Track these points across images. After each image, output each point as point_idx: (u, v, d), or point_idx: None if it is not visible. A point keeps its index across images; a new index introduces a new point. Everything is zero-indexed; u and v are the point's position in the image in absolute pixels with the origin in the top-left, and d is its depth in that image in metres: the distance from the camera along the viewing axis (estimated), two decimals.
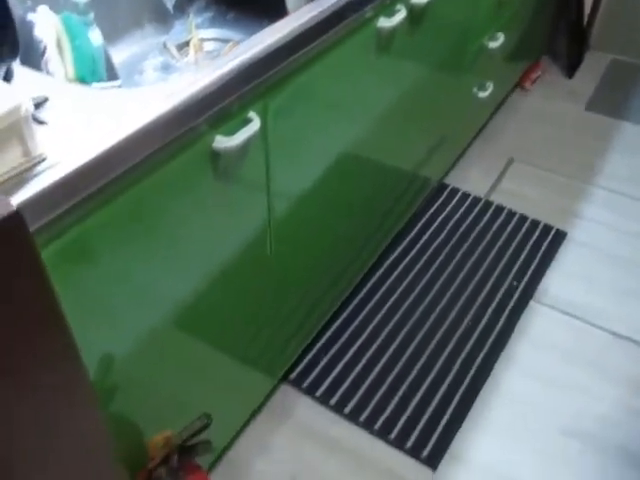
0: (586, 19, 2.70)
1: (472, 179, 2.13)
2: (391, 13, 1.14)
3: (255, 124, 0.86)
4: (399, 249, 1.85)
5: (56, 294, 0.45)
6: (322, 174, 1.18)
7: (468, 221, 1.95)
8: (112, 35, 1.21)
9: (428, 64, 1.47)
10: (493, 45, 1.81)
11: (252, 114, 0.87)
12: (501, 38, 1.83)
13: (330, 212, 1.31)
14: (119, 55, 1.22)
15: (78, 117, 0.68)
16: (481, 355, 1.57)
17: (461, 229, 1.92)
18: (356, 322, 1.64)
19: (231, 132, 0.84)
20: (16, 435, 0.46)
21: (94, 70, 1.00)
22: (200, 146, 0.81)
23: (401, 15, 1.14)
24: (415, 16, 1.26)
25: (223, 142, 0.82)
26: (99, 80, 1.01)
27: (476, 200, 2.03)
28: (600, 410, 1.48)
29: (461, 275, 1.78)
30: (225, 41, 1.30)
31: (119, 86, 0.99)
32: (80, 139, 0.64)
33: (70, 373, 0.48)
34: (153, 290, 0.85)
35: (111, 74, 1.04)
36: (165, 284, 0.87)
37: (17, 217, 0.39)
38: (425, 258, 1.82)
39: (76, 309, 0.69)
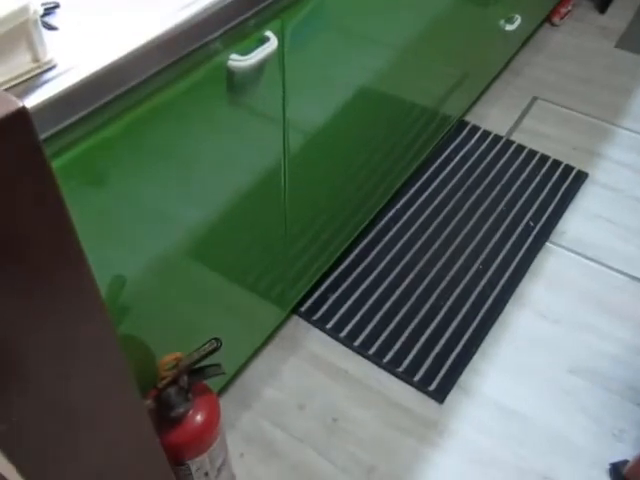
0: None
1: (494, 117, 2.07)
2: None
3: (272, 44, 0.83)
4: (416, 186, 1.82)
5: (64, 200, 0.44)
6: (340, 104, 1.15)
7: (488, 159, 1.91)
8: None
9: None
10: None
11: (269, 33, 0.84)
12: None
13: (347, 144, 1.28)
14: None
15: (91, 24, 0.65)
16: (494, 294, 1.56)
17: (480, 167, 1.88)
18: (369, 258, 1.63)
19: (247, 51, 0.81)
20: (31, 344, 0.46)
21: None
22: (215, 64, 0.78)
23: None
24: None
25: (239, 60, 0.79)
26: None
27: (497, 138, 1.98)
28: (609, 350, 1.48)
29: (478, 214, 1.75)
30: None
31: None
32: (92, 47, 0.62)
33: (79, 280, 0.47)
34: (164, 214, 0.84)
35: None
36: (176, 208, 0.86)
37: (23, 114, 0.37)
38: (442, 196, 1.80)
39: (85, 227, 0.68)
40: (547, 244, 1.70)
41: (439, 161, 1.90)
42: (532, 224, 1.73)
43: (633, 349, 1.48)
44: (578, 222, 1.76)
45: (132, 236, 0.80)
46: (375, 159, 1.45)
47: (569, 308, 1.56)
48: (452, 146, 1.94)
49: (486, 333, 1.49)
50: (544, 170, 1.88)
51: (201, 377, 0.93)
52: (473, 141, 1.96)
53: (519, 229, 1.72)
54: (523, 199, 1.80)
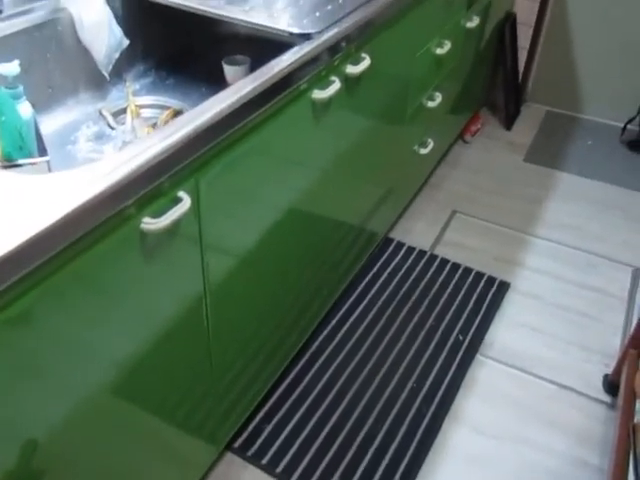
0: (521, 74, 2.82)
1: (417, 232, 2.16)
2: (325, 85, 1.16)
3: (185, 204, 0.85)
4: (347, 304, 1.85)
5: None
6: (262, 235, 1.17)
7: (414, 275, 1.96)
8: (46, 102, 1.19)
9: (367, 126, 1.50)
10: (431, 105, 1.86)
11: (182, 193, 0.86)
12: (439, 98, 1.89)
13: (272, 276, 1.30)
14: (53, 123, 1.20)
15: None
16: (429, 412, 1.56)
17: (407, 283, 1.93)
18: (302, 385, 1.61)
19: (160, 213, 0.82)
20: None
21: (22, 146, 0.98)
22: (127, 228, 0.79)
23: (335, 87, 1.17)
24: (350, 84, 1.29)
25: (151, 224, 0.81)
26: (27, 155, 0.99)
27: (422, 253, 2.05)
28: (548, 465, 1.48)
29: (408, 330, 1.78)
30: (163, 107, 1.30)
31: (48, 161, 0.98)
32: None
33: None
34: (88, 356, 0.82)
35: (41, 148, 1.02)
36: (100, 349, 0.84)
37: None
38: (372, 314, 1.82)
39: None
40: (477, 356, 1.73)
41: (367, 278, 1.94)
42: (461, 338, 1.77)
43: (572, 461, 1.49)
44: (505, 332, 1.81)
45: (53, 378, 0.77)
46: (303, 282, 1.47)
47: (504, 422, 1.57)
48: (379, 263, 2.00)
49: (426, 454, 1.48)
50: (468, 282, 1.95)
51: None
52: (399, 257, 2.03)
53: (449, 343, 1.75)
54: (451, 312, 1.85)
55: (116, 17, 1.25)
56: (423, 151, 1.98)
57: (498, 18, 2.46)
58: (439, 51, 1.75)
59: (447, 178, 2.43)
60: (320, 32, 1.13)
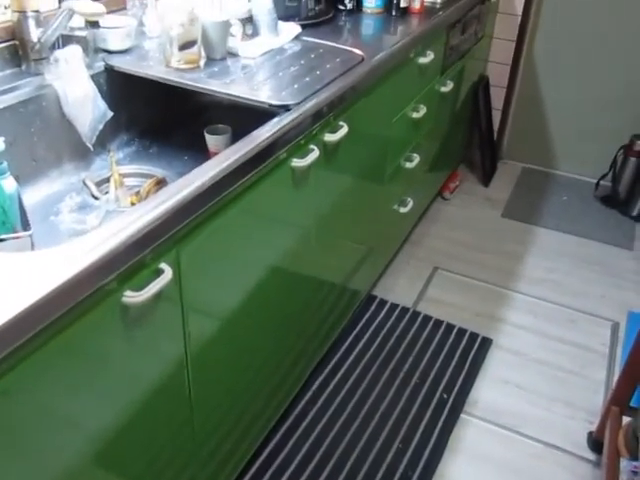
0: (496, 133, 2.92)
1: (399, 289, 2.18)
2: (304, 153, 1.20)
3: (166, 275, 0.87)
4: (331, 364, 1.84)
5: None
6: (243, 304, 1.18)
7: (397, 333, 1.97)
8: (30, 174, 1.21)
9: (346, 189, 1.54)
10: (409, 166, 1.92)
11: (164, 265, 0.88)
12: (417, 159, 1.94)
13: (254, 340, 1.30)
14: (37, 194, 1.22)
15: None
16: (415, 475, 1.54)
17: (390, 342, 1.94)
18: (288, 447, 1.59)
19: (141, 286, 0.84)
20: None
21: (4, 221, 0.99)
22: (108, 303, 0.80)
23: (314, 155, 1.20)
24: (329, 151, 1.33)
25: (132, 297, 0.82)
26: (11, 230, 1.00)
27: (404, 310, 2.07)
28: None
29: (393, 389, 1.77)
30: (147, 176, 1.32)
31: (30, 236, 0.99)
32: None
33: None
34: (70, 425, 0.81)
35: (24, 221, 1.03)
36: (83, 420, 0.83)
37: None
38: (357, 374, 1.82)
39: None
40: (462, 415, 1.73)
41: (351, 337, 1.94)
42: (445, 396, 1.77)
43: None
44: (488, 390, 1.81)
45: (34, 450, 0.76)
46: (286, 344, 1.47)
47: None
48: (362, 321, 2.01)
49: None
50: (451, 339, 1.96)
51: None
52: (382, 315, 2.04)
53: (434, 402, 1.75)
54: (435, 370, 1.85)
55: (100, 91, 1.29)
56: (403, 210, 2.02)
57: (472, 81, 2.56)
58: (415, 115, 1.82)
59: (427, 235, 2.47)
60: (299, 103, 1.17)
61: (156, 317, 0.91)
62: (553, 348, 1.97)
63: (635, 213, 2.67)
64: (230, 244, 1.08)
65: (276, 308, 1.36)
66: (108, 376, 0.86)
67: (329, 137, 1.28)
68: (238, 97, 1.19)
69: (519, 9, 2.62)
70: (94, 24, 1.25)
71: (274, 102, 1.15)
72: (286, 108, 1.15)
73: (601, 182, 2.79)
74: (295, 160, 1.17)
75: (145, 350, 0.92)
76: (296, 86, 1.23)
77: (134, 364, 0.91)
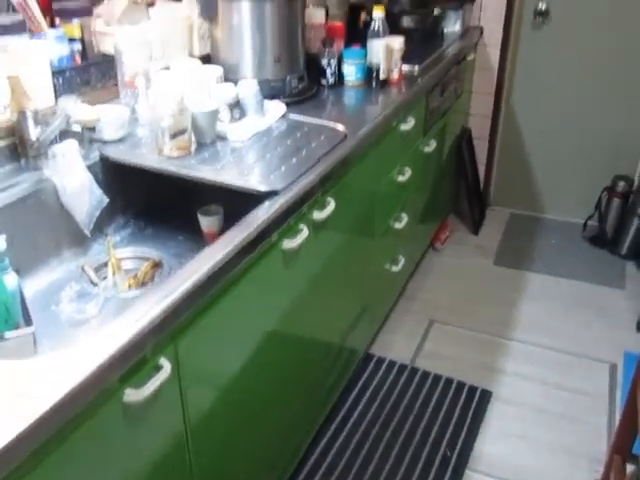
0: (482, 181, 2.99)
1: (397, 345, 2.20)
2: (294, 234, 1.24)
3: (165, 370, 0.90)
4: (332, 428, 1.85)
5: None
6: (241, 382, 1.21)
7: (396, 391, 1.99)
8: (30, 265, 1.25)
9: (337, 256, 1.58)
10: (398, 226, 1.97)
11: (163, 360, 0.91)
12: (405, 218, 1.99)
13: (254, 416, 1.32)
14: (37, 283, 1.26)
15: None
16: None
17: (391, 401, 1.95)
18: None
19: (141, 383, 0.87)
20: None
21: (7, 319, 1.03)
22: (109, 404, 0.83)
23: (304, 234, 1.25)
24: (318, 228, 1.38)
25: (133, 394, 0.85)
26: (13, 326, 1.04)
27: (402, 367, 2.09)
28: None
29: (396, 449, 1.78)
30: (143, 258, 1.37)
31: (32, 333, 1.02)
32: None
33: None
34: None
35: (26, 316, 1.06)
36: None
37: None
38: (359, 435, 1.83)
39: None
40: (467, 472, 1.73)
41: (350, 400, 1.96)
42: (449, 453, 1.78)
43: None
44: (491, 443, 1.82)
45: None
46: (286, 411, 1.49)
47: None
48: (361, 381, 2.03)
49: None
50: (451, 394, 1.98)
51: None
52: (381, 373, 2.06)
53: (437, 459, 1.75)
54: (436, 427, 1.86)
55: (96, 179, 1.34)
56: (395, 268, 2.06)
57: (455, 134, 2.64)
58: (401, 178, 1.88)
59: (421, 288, 2.51)
60: (287, 187, 1.22)
61: (156, 408, 0.94)
62: (553, 395, 1.99)
63: (624, 252, 2.72)
64: (226, 327, 1.11)
65: (275, 377, 1.39)
66: (109, 470, 0.88)
67: (317, 215, 1.33)
68: (229, 184, 1.24)
69: (495, 65, 2.72)
70: (90, 128, 1.31)
71: (263, 188, 1.20)
72: (275, 193, 1.20)
73: (588, 222, 2.85)
74: (286, 242, 1.21)
75: (146, 440, 0.95)
76: (283, 169, 1.29)
77: (135, 453, 0.93)
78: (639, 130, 2.69)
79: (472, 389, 2.00)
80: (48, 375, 0.75)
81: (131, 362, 0.83)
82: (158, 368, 0.90)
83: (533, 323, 2.32)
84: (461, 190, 2.89)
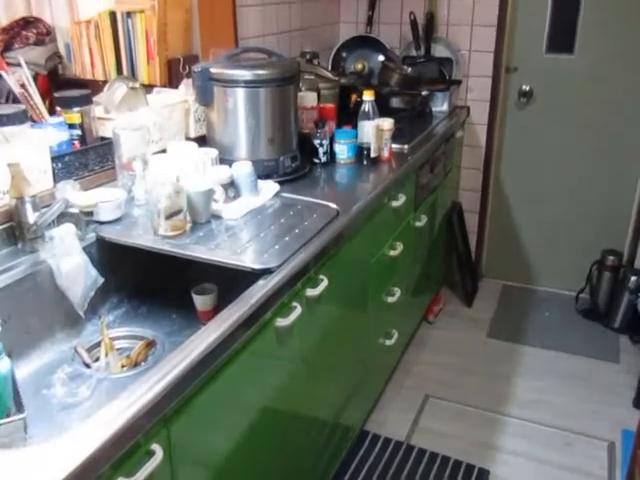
0: (474, 254, 3.03)
1: (392, 421, 2.16)
2: (287, 312, 1.25)
3: (157, 456, 0.89)
4: None
5: None
6: (235, 462, 1.19)
7: (392, 470, 1.94)
8: (23, 347, 1.25)
9: (330, 332, 1.58)
10: (391, 300, 1.98)
11: (154, 446, 0.90)
12: (398, 292, 2.01)
13: None
14: (29, 366, 1.25)
15: None
16: None
17: (387, 479, 1.91)
18: None
19: (133, 471, 0.85)
20: None
21: None
22: None
23: (297, 312, 1.26)
24: (311, 305, 1.39)
25: None
26: (4, 412, 1.03)
27: (398, 445, 2.04)
28: None
29: None
30: (137, 337, 1.37)
31: (24, 419, 1.01)
32: None
33: None
34: None
35: (17, 402, 1.05)
36: None
37: None
38: None
39: None
40: None
41: (347, 478, 1.91)
42: None
43: None
44: None
45: None
46: None
47: None
48: (357, 460, 1.98)
49: None
50: (447, 473, 1.93)
51: None
52: (376, 450, 2.02)
53: None
54: None
55: (91, 259, 1.35)
56: (388, 343, 2.06)
57: (445, 209, 2.69)
58: (392, 253, 1.91)
59: (415, 362, 2.49)
60: (280, 265, 1.24)
61: None
62: (550, 475, 1.95)
63: (617, 325, 2.72)
64: (219, 407, 1.10)
65: (269, 454, 1.36)
66: None
67: (311, 292, 1.34)
68: (223, 263, 1.26)
69: (482, 141, 2.81)
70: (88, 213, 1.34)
71: (257, 266, 1.22)
72: (268, 271, 1.22)
73: (580, 295, 2.86)
74: (279, 319, 1.22)
75: None
76: (277, 247, 1.31)
77: None
78: (625, 204, 2.76)
79: (469, 468, 1.95)
80: (38, 467, 0.74)
81: (123, 450, 0.83)
82: (150, 454, 0.89)
83: (528, 399, 2.29)
84: (453, 262, 2.92)
